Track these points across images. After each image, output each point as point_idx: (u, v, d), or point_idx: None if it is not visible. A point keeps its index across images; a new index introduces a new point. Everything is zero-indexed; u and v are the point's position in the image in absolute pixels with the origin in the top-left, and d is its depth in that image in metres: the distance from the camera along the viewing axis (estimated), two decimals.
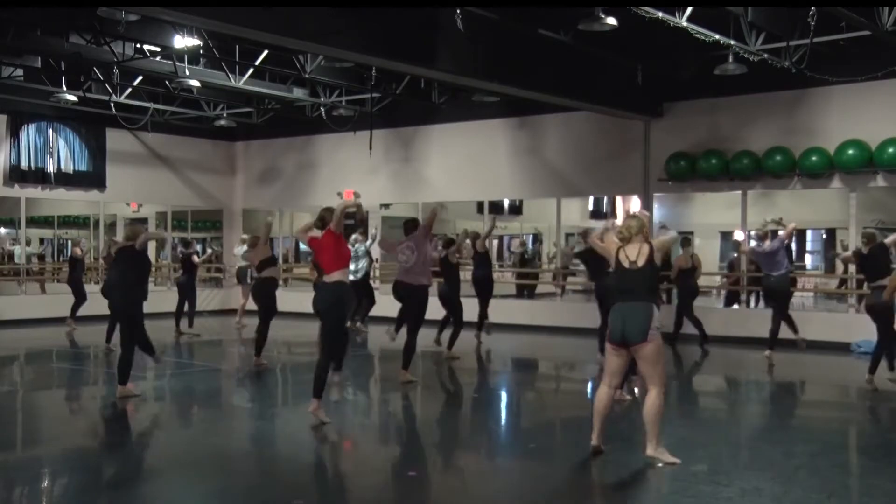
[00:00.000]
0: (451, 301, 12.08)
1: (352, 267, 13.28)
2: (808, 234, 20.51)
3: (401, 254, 9.73)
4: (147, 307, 9.15)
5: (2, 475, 6.44)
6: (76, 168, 18.40)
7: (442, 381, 11.02)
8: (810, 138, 13.83)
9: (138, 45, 13.06)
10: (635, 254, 6.52)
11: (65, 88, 15.63)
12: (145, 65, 13.63)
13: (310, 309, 8.01)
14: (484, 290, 13.32)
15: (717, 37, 10.81)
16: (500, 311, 14.83)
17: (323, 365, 7.73)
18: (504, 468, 6.99)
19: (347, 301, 7.87)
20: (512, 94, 13.92)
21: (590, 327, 13.02)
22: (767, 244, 11.70)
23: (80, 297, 14.87)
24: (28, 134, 17.73)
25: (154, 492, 6.01)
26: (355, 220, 10.69)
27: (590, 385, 11.14)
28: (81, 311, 14.94)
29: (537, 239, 23.71)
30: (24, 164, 17.62)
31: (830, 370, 12.20)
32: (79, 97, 15.76)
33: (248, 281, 16.07)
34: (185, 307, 15.08)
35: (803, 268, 19.20)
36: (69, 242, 16.06)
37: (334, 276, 7.69)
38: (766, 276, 11.72)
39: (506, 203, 20.75)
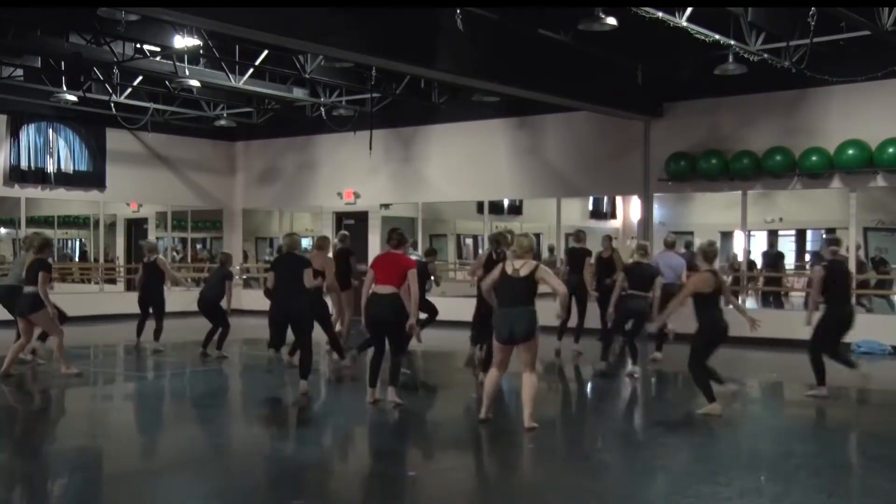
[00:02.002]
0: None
1: None
2: (809, 234, 20.50)
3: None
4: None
5: (3, 474, 6.45)
6: (76, 168, 18.40)
7: (444, 382, 11.03)
8: (810, 138, 13.83)
9: (138, 45, 13.05)
10: (520, 265, 7.47)
11: (65, 88, 15.63)
12: (145, 65, 13.63)
13: None
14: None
15: (717, 37, 10.80)
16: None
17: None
18: (504, 468, 7.00)
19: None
20: (512, 94, 13.92)
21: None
22: (677, 257, 11.97)
23: (161, 316, 12.96)
24: (28, 134, 17.72)
25: (155, 492, 6.01)
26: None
27: (589, 385, 11.16)
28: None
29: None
30: (24, 164, 17.62)
31: (830, 370, 12.18)
32: (79, 97, 15.76)
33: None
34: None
35: (803, 268, 19.20)
36: (142, 246, 13.73)
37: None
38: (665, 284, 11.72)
39: (506, 203, 20.75)
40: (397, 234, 8.82)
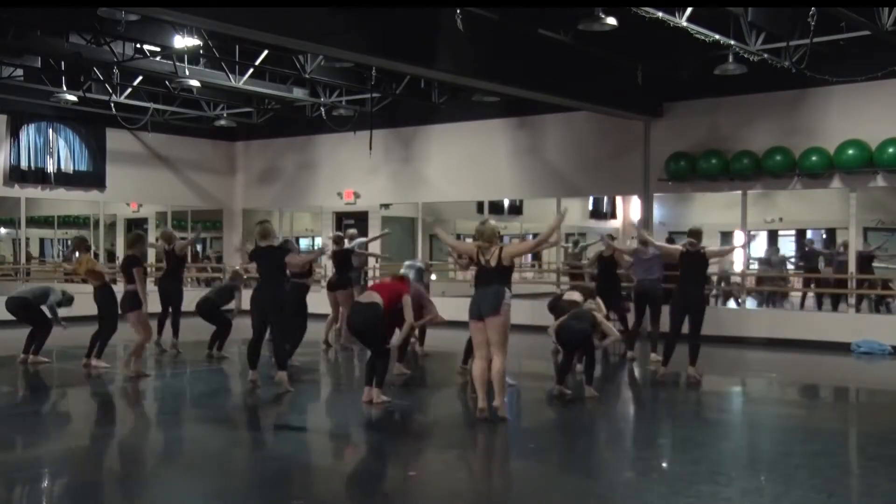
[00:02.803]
0: None
1: None
2: (808, 234, 20.52)
3: None
4: None
5: (1, 475, 6.45)
6: (76, 168, 18.40)
7: (444, 382, 11.03)
8: (810, 138, 13.83)
9: (138, 45, 13.06)
10: (489, 255, 7.88)
11: (65, 88, 15.64)
12: (145, 65, 13.63)
13: None
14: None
15: (717, 37, 10.81)
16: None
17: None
18: (504, 468, 7.00)
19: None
20: (512, 94, 13.92)
21: None
22: (651, 250, 11.95)
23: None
24: (28, 134, 17.72)
25: (154, 492, 6.01)
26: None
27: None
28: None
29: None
30: (24, 164, 17.62)
31: (830, 370, 12.20)
32: (79, 97, 15.76)
33: (362, 283, 13.92)
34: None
35: (802, 267, 19.20)
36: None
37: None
38: (640, 280, 12.11)
39: (506, 203, 20.75)
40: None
